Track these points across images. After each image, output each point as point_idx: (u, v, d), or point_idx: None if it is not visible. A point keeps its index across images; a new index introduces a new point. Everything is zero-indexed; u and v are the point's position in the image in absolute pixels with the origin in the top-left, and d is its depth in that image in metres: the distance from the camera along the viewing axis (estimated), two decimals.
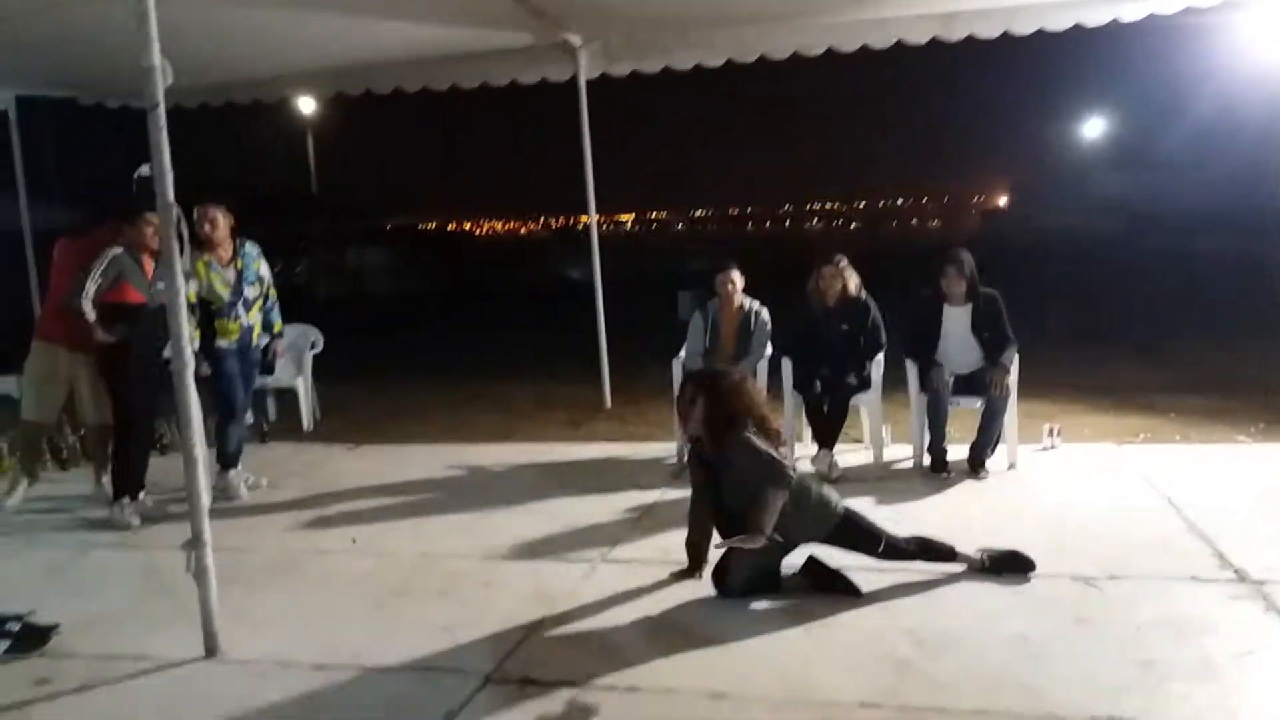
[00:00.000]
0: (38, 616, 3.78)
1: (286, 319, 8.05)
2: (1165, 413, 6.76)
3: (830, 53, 7.19)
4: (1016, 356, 5.56)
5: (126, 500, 5.27)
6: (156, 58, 3.36)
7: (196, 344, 5.58)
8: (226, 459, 5.78)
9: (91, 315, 5.10)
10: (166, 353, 5.74)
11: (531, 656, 3.47)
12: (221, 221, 5.66)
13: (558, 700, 3.14)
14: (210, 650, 3.54)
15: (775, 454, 3.91)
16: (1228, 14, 6.54)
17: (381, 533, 5.01)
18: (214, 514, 3.69)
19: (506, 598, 4.02)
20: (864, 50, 7.13)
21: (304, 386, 7.57)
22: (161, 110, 3.40)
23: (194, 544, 3.51)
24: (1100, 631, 3.47)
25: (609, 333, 7.92)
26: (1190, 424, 6.43)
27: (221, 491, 5.62)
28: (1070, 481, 5.33)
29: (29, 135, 8.53)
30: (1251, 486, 5.03)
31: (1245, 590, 3.72)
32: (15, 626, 3.68)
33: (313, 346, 7.70)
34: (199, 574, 3.51)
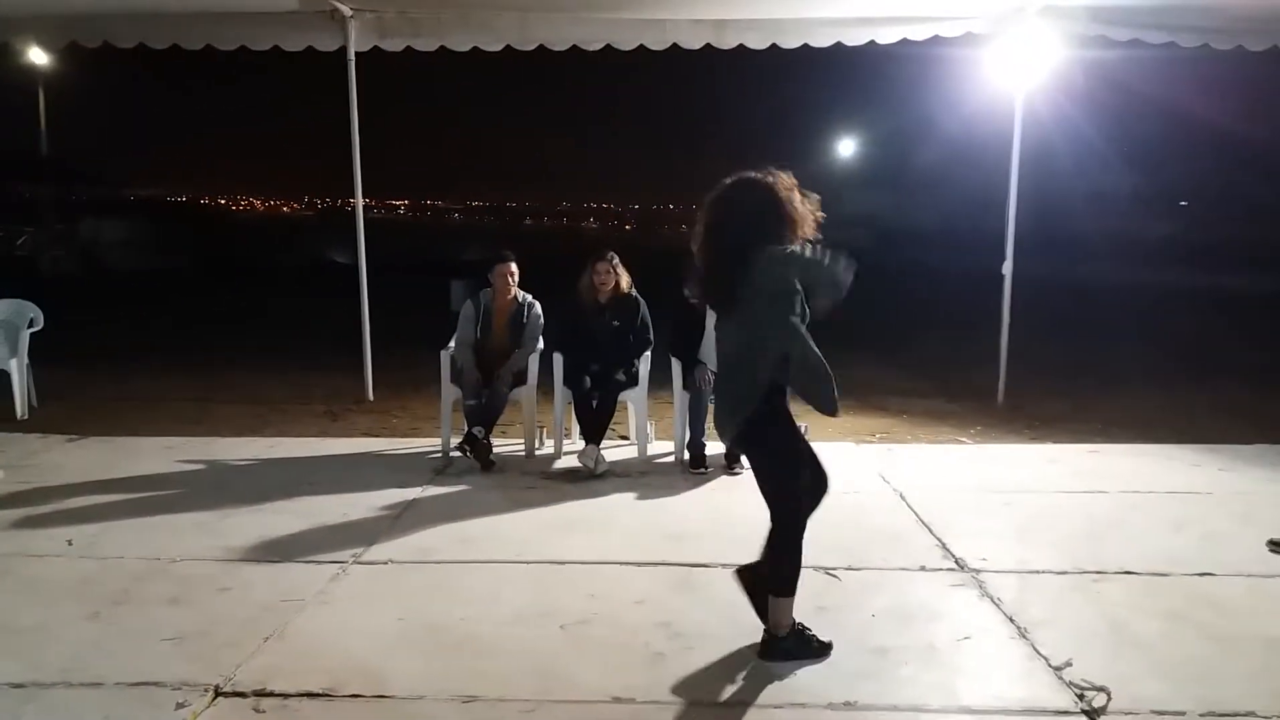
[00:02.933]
0: None
1: (2, 293, 7.17)
2: (899, 414, 7.32)
3: (609, 50, 7.26)
4: None
5: None
6: None
7: None
8: None
9: None
10: None
11: (269, 666, 3.22)
12: None
13: (298, 713, 2.93)
14: None
15: None
16: (969, 48, 7.23)
17: (103, 533, 4.52)
18: None
19: (245, 604, 3.73)
20: (641, 50, 7.25)
21: (18, 369, 6.75)
22: None
23: None
24: (839, 620, 3.67)
25: (374, 321, 7.59)
26: (920, 425, 6.99)
27: None
28: None
29: None
30: (970, 482, 5.52)
31: (963, 579, 4.06)
32: None
33: (30, 324, 6.89)
34: None
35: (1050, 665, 3.28)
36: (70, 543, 4.38)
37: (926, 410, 7.46)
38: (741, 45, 7.18)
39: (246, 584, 3.94)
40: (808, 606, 3.75)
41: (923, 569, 4.17)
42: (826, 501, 5.10)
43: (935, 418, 7.20)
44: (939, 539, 4.52)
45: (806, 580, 3.99)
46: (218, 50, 7.31)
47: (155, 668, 3.18)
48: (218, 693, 3.03)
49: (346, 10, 6.93)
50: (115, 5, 6.76)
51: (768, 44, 7.17)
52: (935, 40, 7.05)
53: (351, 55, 7.17)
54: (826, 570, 4.09)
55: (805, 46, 7.20)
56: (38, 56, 8.63)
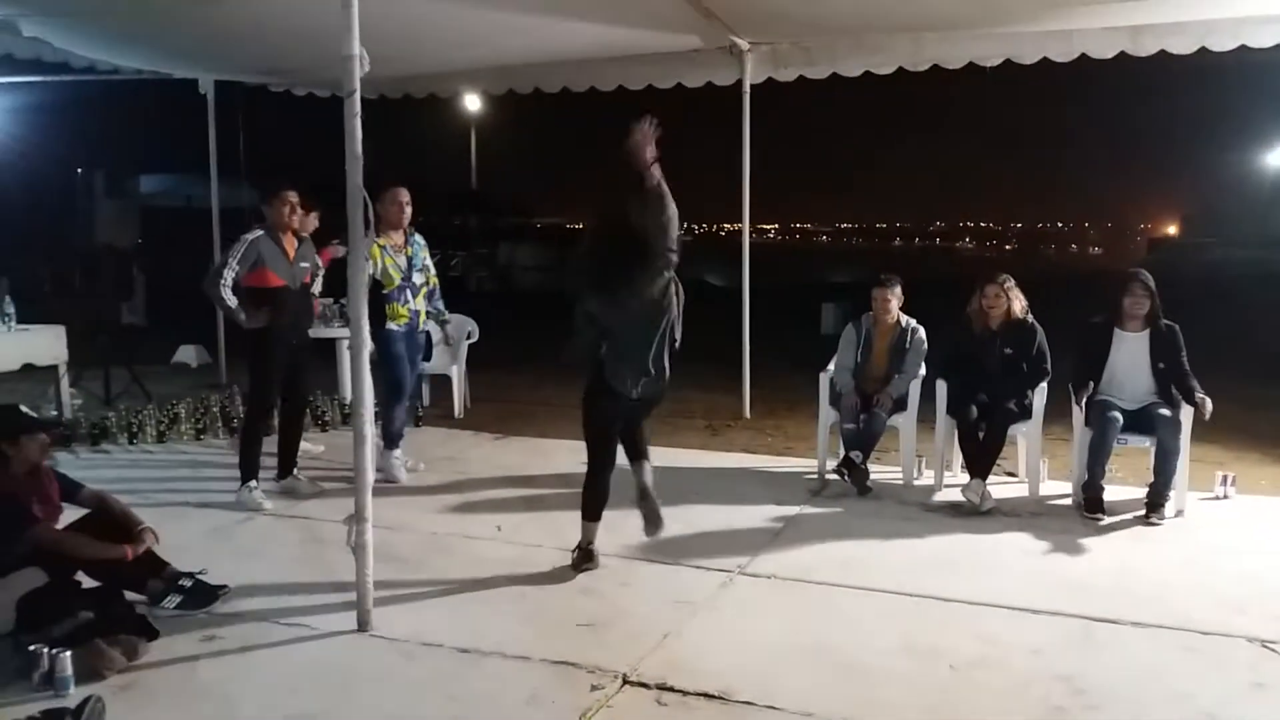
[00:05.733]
0: (207, 577, 4.01)
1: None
2: None
3: (997, 65, 6.94)
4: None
5: (253, 483, 5.33)
6: (356, 46, 3.50)
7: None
8: (390, 439, 5.90)
9: (232, 302, 5.15)
10: (314, 332, 5.95)
11: (668, 662, 3.46)
12: (409, 208, 5.82)
13: (696, 711, 3.12)
14: (363, 624, 3.68)
15: None
16: None
17: (524, 523, 5.11)
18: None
19: (644, 600, 4.04)
20: (1042, 63, 6.86)
21: (458, 374, 7.82)
22: (357, 97, 3.54)
23: (356, 519, 3.64)
24: (1278, 700, 3.20)
25: (750, 341, 7.84)
26: None
27: (381, 472, 5.73)
28: (1245, 534, 4.95)
29: (221, 118, 9.10)
30: None
31: None
32: (188, 583, 3.90)
33: (469, 336, 7.96)
34: (358, 549, 3.64)
35: None
36: (499, 529, 5.00)
37: None
38: (1162, 51, 6.53)
39: (645, 581, 4.27)
40: (1239, 679, 3.33)
41: None
42: (1261, 562, 4.49)
43: None
44: None
45: (1238, 650, 3.55)
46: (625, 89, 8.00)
47: (572, 650, 3.54)
48: (625, 681, 3.31)
49: (744, 44, 7.27)
50: (546, 54, 7.62)
51: (1195, 48, 6.44)
52: None
53: (747, 88, 7.51)
54: (1263, 642, 3.59)
55: (1243, 48, 6.36)
56: (471, 104, 9.96)
